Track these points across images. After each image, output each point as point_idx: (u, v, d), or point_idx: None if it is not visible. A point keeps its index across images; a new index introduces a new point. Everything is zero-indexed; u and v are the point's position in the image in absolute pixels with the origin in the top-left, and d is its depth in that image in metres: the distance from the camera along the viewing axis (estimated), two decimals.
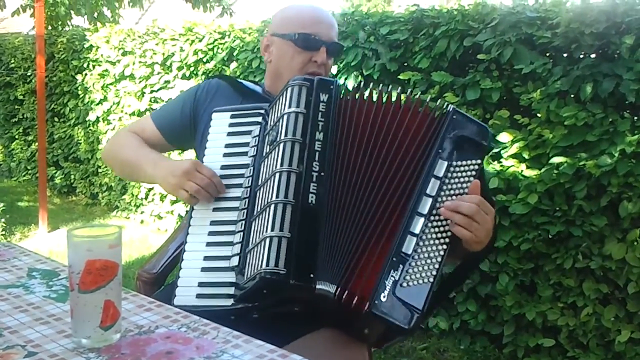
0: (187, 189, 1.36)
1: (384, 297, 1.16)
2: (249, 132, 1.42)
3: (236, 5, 7.91)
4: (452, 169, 1.28)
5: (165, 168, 1.45)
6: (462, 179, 1.29)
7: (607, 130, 2.37)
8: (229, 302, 1.23)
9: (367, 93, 1.37)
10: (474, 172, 1.30)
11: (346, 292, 1.18)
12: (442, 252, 1.23)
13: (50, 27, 6.87)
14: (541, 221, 2.52)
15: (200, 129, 1.58)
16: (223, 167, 1.40)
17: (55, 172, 6.15)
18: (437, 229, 1.24)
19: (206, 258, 1.30)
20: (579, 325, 2.51)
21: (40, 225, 4.95)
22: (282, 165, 1.23)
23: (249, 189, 1.34)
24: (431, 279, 1.20)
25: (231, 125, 1.46)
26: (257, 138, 1.40)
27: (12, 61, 6.57)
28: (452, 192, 1.27)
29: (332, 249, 1.21)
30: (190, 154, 2.58)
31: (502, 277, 2.65)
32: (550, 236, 2.55)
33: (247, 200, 1.32)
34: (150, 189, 4.95)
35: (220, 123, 1.47)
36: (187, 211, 1.77)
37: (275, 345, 0.94)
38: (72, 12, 7.29)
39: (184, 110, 1.64)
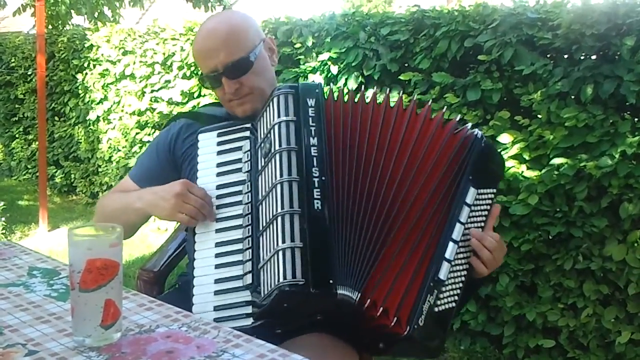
0: (185, 212, 1.31)
1: (422, 321, 1.17)
2: (239, 148, 1.39)
3: (237, 4, 7.90)
4: (477, 196, 1.30)
5: (154, 195, 1.38)
6: (482, 207, 1.32)
7: (608, 132, 2.37)
8: (249, 321, 1.20)
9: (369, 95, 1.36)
10: (491, 201, 1.34)
11: (368, 299, 1.18)
12: (463, 278, 1.27)
13: (50, 26, 6.87)
14: (541, 222, 2.52)
15: (186, 165, 1.52)
16: (219, 187, 1.36)
17: (56, 171, 6.15)
18: (461, 255, 1.27)
19: (217, 281, 1.27)
20: (579, 326, 2.51)
21: (40, 224, 4.96)
22: (281, 175, 1.22)
23: (249, 204, 1.30)
24: (453, 304, 1.24)
25: (219, 143, 1.42)
26: (249, 153, 1.36)
27: (13, 60, 6.57)
28: (475, 219, 1.30)
29: (347, 253, 1.20)
30: None
31: (502, 277, 2.65)
32: (550, 237, 2.55)
33: (249, 216, 1.29)
34: None
35: (208, 143, 1.43)
36: None
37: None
38: (72, 11, 7.28)
39: (160, 158, 1.57)
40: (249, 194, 1.31)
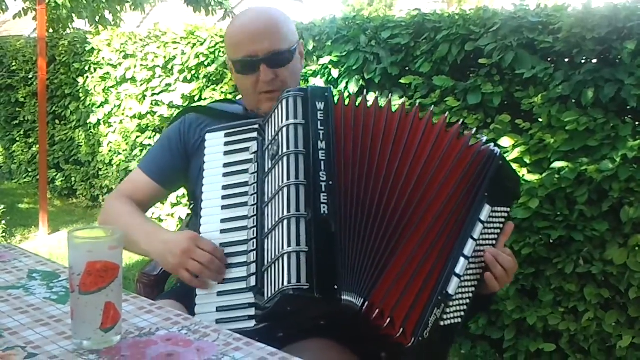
0: (190, 268, 1.27)
1: (427, 333, 1.17)
2: (246, 149, 1.38)
3: (238, 8, 7.92)
4: (492, 213, 1.29)
5: (162, 244, 1.34)
6: (495, 225, 1.31)
7: (609, 135, 2.37)
8: (251, 323, 1.20)
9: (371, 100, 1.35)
10: (503, 219, 1.33)
11: (373, 306, 1.17)
12: (471, 294, 1.26)
13: (52, 30, 6.88)
14: (542, 226, 2.52)
15: (195, 160, 1.50)
16: (225, 187, 1.35)
17: (56, 175, 6.16)
18: (471, 271, 1.26)
19: (221, 281, 1.26)
20: (580, 330, 2.50)
21: (40, 227, 4.96)
22: (288, 179, 1.20)
23: (255, 206, 1.29)
24: (459, 319, 1.23)
25: (227, 144, 1.40)
26: (256, 154, 1.35)
27: (14, 64, 6.59)
28: (487, 236, 1.29)
29: (353, 259, 1.19)
30: None
31: None
32: (551, 241, 2.55)
33: (255, 218, 1.28)
34: None
35: (215, 143, 1.42)
36: (188, 214, 1.75)
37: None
38: (73, 15, 7.30)
39: (172, 151, 1.55)
40: (255, 195, 1.30)
